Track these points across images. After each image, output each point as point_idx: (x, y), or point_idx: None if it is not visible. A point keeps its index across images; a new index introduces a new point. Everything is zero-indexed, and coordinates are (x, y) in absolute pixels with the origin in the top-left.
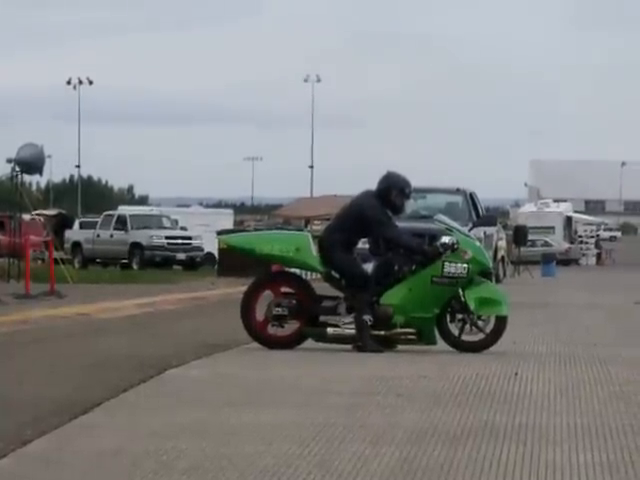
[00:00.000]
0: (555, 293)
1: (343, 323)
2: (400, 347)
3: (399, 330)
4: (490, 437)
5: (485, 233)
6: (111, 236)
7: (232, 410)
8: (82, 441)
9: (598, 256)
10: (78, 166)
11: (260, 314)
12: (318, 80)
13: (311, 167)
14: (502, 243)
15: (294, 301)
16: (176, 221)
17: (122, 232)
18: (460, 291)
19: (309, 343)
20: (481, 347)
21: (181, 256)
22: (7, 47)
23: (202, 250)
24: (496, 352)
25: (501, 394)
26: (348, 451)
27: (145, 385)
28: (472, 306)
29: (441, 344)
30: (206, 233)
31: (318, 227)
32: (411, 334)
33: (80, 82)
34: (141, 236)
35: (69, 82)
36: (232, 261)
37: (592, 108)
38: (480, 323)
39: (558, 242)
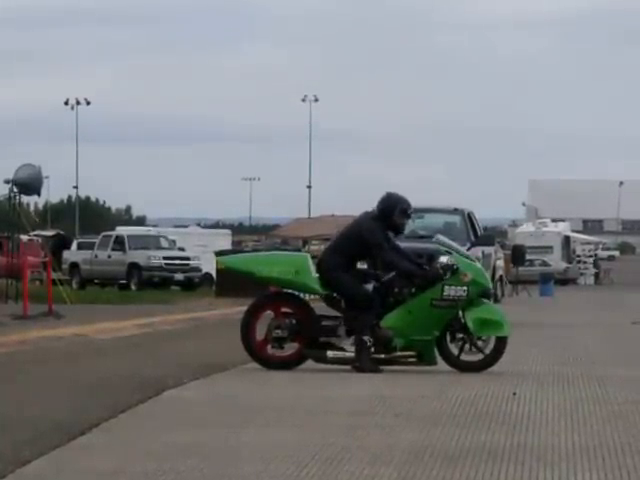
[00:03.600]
0: (553, 313)
1: (344, 345)
2: (398, 367)
3: (399, 353)
4: (488, 457)
5: (483, 253)
6: (109, 257)
7: (230, 430)
8: (80, 462)
9: (596, 276)
10: (76, 187)
11: (260, 335)
12: (316, 100)
13: (309, 187)
14: (500, 263)
15: (294, 322)
16: (174, 241)
17: (120, 253)
18: (460, 312)
19: (307, 363)
20: (481, 367)
21: (179, 277)
22: (4, 68)
23: (200, 270)
24: (494, 372)
25: (499, 414)
26: (346, 471)
27: (143, 406)
28: (471, 327)
29: (441, 364)
30: (204, 253)
31: (316, 247)
32: (411, 356)
33: (78, 102)
34: (139, 256)
35: (67, 102)
36: (230, 282)
37: (590, 128)
38: (480, 344)
39: (556, 262)
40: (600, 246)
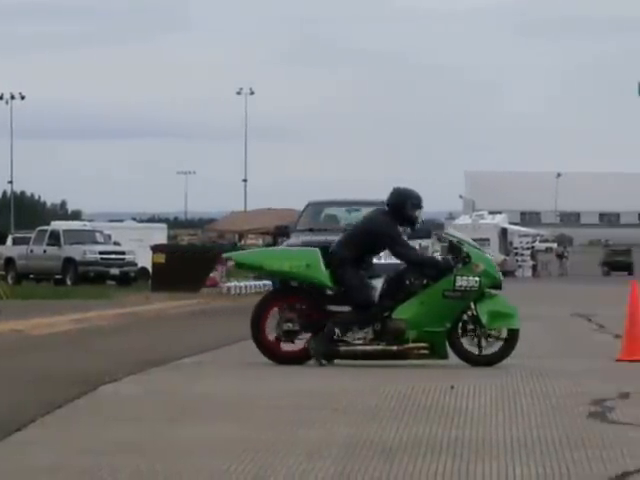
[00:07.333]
0: None
1: (354, 339)
2: (340, 362)
3: (411, 345)
4: (426, 451)
5: (420, 245)
6: (44, 252)
7: (167, 426)
8: (16, 458)
9: (534, 268)
10: (11, 182)
11: (270, 330)
12: (251, 93)
13: (245, 181)
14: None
15: (304, 316)
16: (109, 236)
17: (55, 247)
18: (472, 304)
19: (250, 357)
20: (494, 360)
21: (115, 271)
22: None
23: (136, 265)
24: (432, 366)
25: (437, 408)
26: (283, 466)
27: (80, 401)
28: (484, 319)
29: (452, 358)
30: (140, 248)
31: (253, 241)
32: (423, 348)
33: (12, 97)
34: (74, 251)
35: (1, 97)
36: (166, 276)
37: (527, 120)
38: (490, 339)
39: (493, 254)
40: (538, 238)
